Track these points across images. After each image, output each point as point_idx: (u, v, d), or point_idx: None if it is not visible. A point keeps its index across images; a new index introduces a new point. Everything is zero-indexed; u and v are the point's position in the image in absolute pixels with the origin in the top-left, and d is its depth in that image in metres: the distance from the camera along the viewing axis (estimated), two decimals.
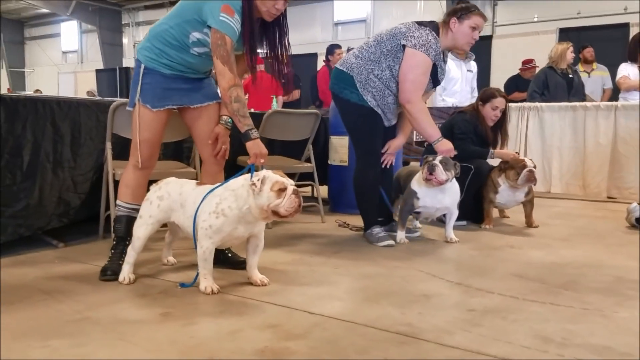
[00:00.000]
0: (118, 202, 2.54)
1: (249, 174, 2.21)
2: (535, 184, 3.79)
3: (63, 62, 20.87)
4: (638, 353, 1.66)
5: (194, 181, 2.40)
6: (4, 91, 21.66)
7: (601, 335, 1.81)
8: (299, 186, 4.85)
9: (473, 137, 3.91)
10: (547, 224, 4.06)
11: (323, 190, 4.85)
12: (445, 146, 3.17)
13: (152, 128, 2.47)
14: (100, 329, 1.82)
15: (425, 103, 3.56)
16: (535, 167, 3.76)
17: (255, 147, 2.33)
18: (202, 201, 2.23)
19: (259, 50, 2.55)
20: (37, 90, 15.56)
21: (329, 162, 4.52)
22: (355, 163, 3.36)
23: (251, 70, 2.56)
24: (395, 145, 3.45)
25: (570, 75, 6.30)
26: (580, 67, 7.22)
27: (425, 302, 2.17)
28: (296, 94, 7.62)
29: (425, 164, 3.18)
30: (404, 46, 3.14)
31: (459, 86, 6.17)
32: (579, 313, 2.05)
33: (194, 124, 2.61)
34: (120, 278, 2.35)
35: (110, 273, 2.39)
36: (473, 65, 6.51)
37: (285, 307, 2.07)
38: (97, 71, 18.38)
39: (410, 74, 3.13)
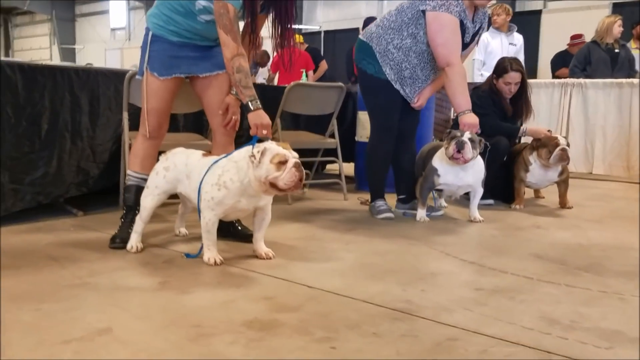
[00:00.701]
0: (128, 171, 2.54)
1: (252, 145, 2.15)
2: (568, 163, 3.60)
3: (112, 39, 21.32)
4: None
5: (201, 152, 2.37)
6: None
7: (614, 320, 1.69)
8: (324, 162, 4.84)
9: (495, 110, 3.73)
10: (582, 205, 3.87)
11: (350, 168, 4.78)
12: (470, 119, 3.02)
13: (159, 97, 2.45)
14: (96, 295, 1.83)
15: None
16: (568, 145, 3.57)
17: (257, 117, 2.27)
18: (206, 172, 2.19)
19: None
20: (88, 64, 15.97)
21: (356, 138, 4.43)
22: (370, 137, 3.27)
23: (251, 40, 2.47)
24: (424, 96, 3.29)
25: (616, 50, 5.95)
26: (632, 44, 6.83)
27: (432, 280, 2.09)
28: (323, 65, 7.49)
29: (452, 140, 3.03)
30: (423, 12, 3.00)
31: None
32: (595, 296, 1.92)
33: (204, 93, 2.57)
34: (128, 247, 2.36)
35: (119, 241, 2.40)
36: (517, 39, 6.22)
37: (285, 281, 2.03)
38: None
39: (439, 37, 2.98)
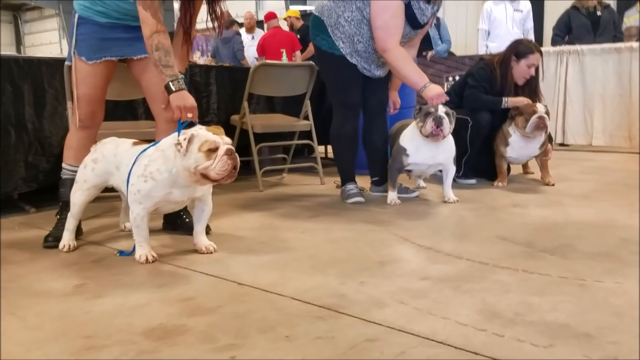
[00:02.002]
0: (63, 164, 2.39)
1: (178, 132, 1.98)
2: (546, 132, 3.35)
3: None
4: (601, 333, 1.34)
5: (131, 140, 2.20)
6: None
7: (565, 310, 1.49)
8: (303, 148, 4.65)
9: (486, 86, 3.49)
10: (573, 180, 3.65)
11: (330, 150, 4.60)
12: (434, 91, 2.79)
13: (89, 83, 2.28)
14: (3, 302, 1.68)
15: (415, 53, 3.19)
16: (547, 113, 3.32)
17: (179, 99, 2.08)
18: (134, 163, 2.03)
19: None
20: None
21: None
22: (333, 117, 3.08)
23: (183, 20, 2.28)
24: (394, 103, 3.21)
25: (598, 13, 5.63)
26: (638, 7, 6.49)
27: (378, 270, 1.90)
28: (312, 47, 7.26)
29: (428, 116, 2.81)
30: None
31: (503, 29, 5.63)
32: (552, 282, 1.73)
33: (141, 77, 2.40)
34: (60, 246, 2.22)
35: (51, 240, 2.26)
36: (523, 4, 5.93)
37: (215, 277, 1.86)
38: None
39: (378, 19, 2.78)
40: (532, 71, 3.50)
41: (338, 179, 3.62)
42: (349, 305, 1.58)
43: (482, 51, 5.95)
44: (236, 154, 1.92)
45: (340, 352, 1.30)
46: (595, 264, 1.90)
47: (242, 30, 7.85)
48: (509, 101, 3.49)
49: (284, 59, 4.91)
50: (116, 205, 2.96)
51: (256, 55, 7.07)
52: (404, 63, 2.82)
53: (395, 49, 2.81)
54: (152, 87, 2.40)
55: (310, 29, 3.07)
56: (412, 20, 2.87)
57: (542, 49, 5.85)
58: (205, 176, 1.90)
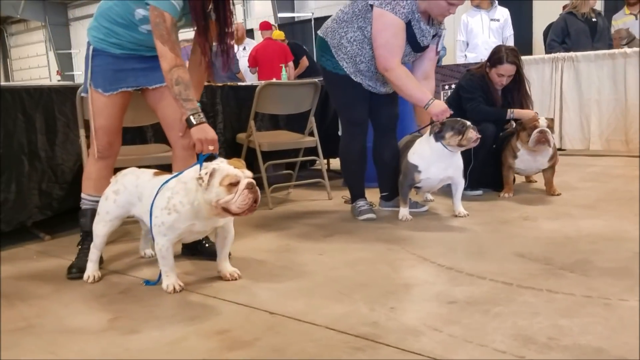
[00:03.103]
0: (82, 195, 2.41)
1: (199, 165, 2.00)
2: (550, 145, 3.38)
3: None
4: (635, 356, 1.39)
5: (152, 171, 2.22)
6: (53, 74, 21.93)
7: (595, 334, 1.54)
8: (305, 162, 4.68)
9: (482, 96, 3.55)
10: (576, 188, 3.71)
11: (336, 163, 4.62)
12: (439, 107, 2.84)
13: (107, 114, 2.30)
14: (36, 341, 1.70)
15: (433, 86, 3.21)
16: (549, 127, 3.36)
17: (200, 132, 2.10)
18: (156, 195, 2.05)
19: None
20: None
21: (339, 133, 4.26)
22: (341, 135, 3.12)
23: (202, 50, 2.30)
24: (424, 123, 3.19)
25: (594, 19, 5.72)
26: (626, 10, 6.60)
27: (404, 293, 1.94)
28: (304, 62, 7.31)
29: (464, 127, 2.86)
30: (371, 6, 2.83)
31: (481, 39, 5.69)
32: (578, 303, 1.77)
33: (157, 106, 2.43)
34: (85, 277, 2.23)
35: (75, 271, 2.28)
36: (500, 13, 6.00)
37: (246, 307, 1.89)
38: None
39: (380, 38, 2.82)
40: (504, 80, 3.53)
41: (345, 194, 3.66)
42: (384, 335, 1.61)
43: (460, 62, 6.02)
44: (257, 188, 1.94)
45: None
46: (614, 281, 1.95)
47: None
48: (514, 112, 3.54)
49: (284, 75, 4.93)
50: (130, 229, 2.98)
51: (248, 66, 7.07)
52: (407, 81, 2.86)
53: (397, 68, 2.85)
54: (168, 116, 2.43)
55: (316, 50, 3.11)
56: (412, 41, 2.91)
57: (536, 56, 6.00)
58: (226, 210, 1.92)
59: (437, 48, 3.07)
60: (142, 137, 3.39)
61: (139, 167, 2.32)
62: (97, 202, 2.34)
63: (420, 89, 2.86)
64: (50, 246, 2.83)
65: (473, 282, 2.01)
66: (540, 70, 5.75)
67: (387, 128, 3.16)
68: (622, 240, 2.43)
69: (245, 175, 1.93)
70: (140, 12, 2.18)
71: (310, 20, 14.55)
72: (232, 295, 2.00)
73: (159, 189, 2.05)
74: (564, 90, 5.59)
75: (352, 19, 2.90)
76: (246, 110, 3.74)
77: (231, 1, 2.28)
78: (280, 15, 14.88)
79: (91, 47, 2.28)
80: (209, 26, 2.31)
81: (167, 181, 2.06)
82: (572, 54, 5.54)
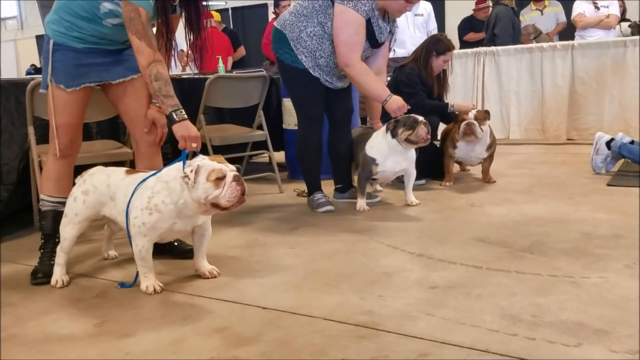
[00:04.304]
0: (41, 196, 2.29)
1: (182, 163, 1.97)
2: (476, 137, 3.57)
3: (3, 30, 19.58)
4: (613, 328, 1.55)
5: (122, 169, 2.15)
6: None
7: (573, 309, 1.70)
8: (253, 156, 4.67)
9: (423, 89, 3.72)
10: (507, 175, 3.98)
11: (280, 157, 4.65)
12: (397, 103, 2.96)
13: (69, 111, 2.20)
14: (26, 350, 1.62)
15: (385, 79, 3.33)
16: (478, 118, 3.56)
17: (182, 129, 2.07)
18: (132, 194, 1.99)
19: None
20: None
21: (284, 126, 4.29)
22: (298, 129, 3.17)
23: (166, 44, 2.26)
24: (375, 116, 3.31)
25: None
26: (532, 6, 7.08)
27: (387, 281, 2.03)
28: (241, 51, 7.23)
29: (416, 124, 2.97)
30: (333, 2, 2.89)
31: (407, 34, 5.87)
32: (547, 282, 1.94)
33: (120, 101, 2.35)
34: (53, 282, 2.13)
35: (41, 275, 2.17)
36: (423, 7, 6.20)
37: (237, 303, 1.90)
38: (38, 37, 17.27)
39: (342, 34, 2.90)
40: (446, 65, 3.81)
41: (297, 187, 3.71)
42: (382, 322, 1.69)
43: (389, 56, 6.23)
44: (243, 180, 1.96)
45: None
46: (572, 260, 2.15)
47: None
48: (454, 106, 3.74)
49: (221, 67, 4.86)
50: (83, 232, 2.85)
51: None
52: (367, 77, 2.95)
53: (357, 64, 2.93)
54: (131, 111, 2.36)
55: (272, 42, 3.11)
56: (370, 38, 3.00)
57: (459, 50, 6.31)
58: (215, 205, 1.92)
59: (389, 44, 3.18)
60: (87, 133, 3.23)
61: (92, 165, 2.25)
62: (59, 203, 2.25)
63: (379, 84, 2.96)
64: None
65: (446, 268, 2.14)
66: (464, 64, 6.07)
67: (342, 122, 3.23)
68: (567, 222, 2.66)
69: (230, 169, 1.92)
70: (106, 5, 2.10)
71: (226, 9, 14.24)
72: (217, 293, 2.00)
73: (136, 188, 2.00)
74: (485, 83, 5.95)
75: (312, 14, 2.94)
76: (192, 104, 3.66)
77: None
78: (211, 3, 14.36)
79: (51, 41, 2.16)
80: (171, 22, 2.27)
81: (144, 180, 2.01)
82: (492, 48, 5.90)
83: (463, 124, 3.52)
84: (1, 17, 19.33)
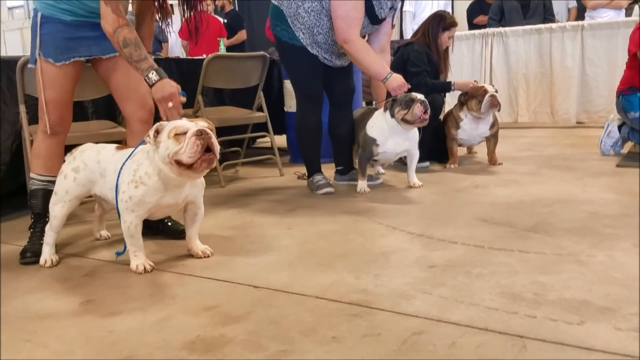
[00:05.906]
0: (31, 174, 2.23)
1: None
2: (499, 110, 3.54)
3: (10, 19, 19.60)
4: (619, 306, 1.47)
5: (113, 145, 2.09)
6: None
7: (577, 287, 1.62)
8: (249, 139, 4.60)
9: (428, 69, 3.62)
10: (514, 158, 3.88)
11: (282, 140, 4.58)
12: (397, 81, 2.86)
13: (58, 86, 2.14)
14: (8, 329, 1.57)
15: (389, 58, 3.24)
16: (497, 91, 3.51)
17: (158, 90, 1.96)
18: (121, 168, 1.93)
19: None
20: None
21: (285, 109, 4.22)
22: (296, 109, 3.08)
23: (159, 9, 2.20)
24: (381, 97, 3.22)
25: None
26: None
27: (384, 261, 1.96)
28: (242, 35, 7.14)
29: (412, 102, 2.86)
30: None
31: (429, 12, 5.76)
32: (552, 261, 1.86)
33: (110, 77, 2.28)
34: (41, 261, 2.08)
35: (30, 255, 2.12)
36: None
37: (227, 282, 1.83)
38: None
39: (339, 9, 2.79)
40: (450, 42, 3.72)
41: (298, 170, 3.64)
42: (376, 300, 1.62)
43: (409, 34, 6.10)
44: (210, 134, 1.79)
45: (394, 349, 1.34)
46: (578, 239, 2.06)
47: None
48: (455, 84, 3.64)
49: (222, 48, 4.77)
50: (76, 212, 2.80)
51: (178, 39, 6.79)
52: (365, 54, 2.86)
53: (356, 40, 2.84)
54: (122, 87, 2.29)
55: (270, 19, 3.02)
56: (370, 13, 2.91)
57: (467, 32, 6.19)
58: (178, 162, 1.80)
59: (392, 21, 3.09)
60: (82, 113, 3.18)
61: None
62: (49, 181, 2.19)
63: (379, 62, 2.86)
64: None
65: (447, 247, 2.06)
66: (471, 46, 5.94)
67: (343, 102, 3.15)
68: (574, 202, 2.57)
69: (198, 126, 1.80)
70: None
71: None
72: (209, 272, 1.94)
73: (124, 162, 1.94)
74: (493, 65, 5.81)
75: None
76: (190, 85, 3.58)
77: None
78: None
79: (39, 14, 2.09)
80: None
81: (131, 153, 1.95)
82: (501, 29, 5.76)
83: (488, 96, 3.45)
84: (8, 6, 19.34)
